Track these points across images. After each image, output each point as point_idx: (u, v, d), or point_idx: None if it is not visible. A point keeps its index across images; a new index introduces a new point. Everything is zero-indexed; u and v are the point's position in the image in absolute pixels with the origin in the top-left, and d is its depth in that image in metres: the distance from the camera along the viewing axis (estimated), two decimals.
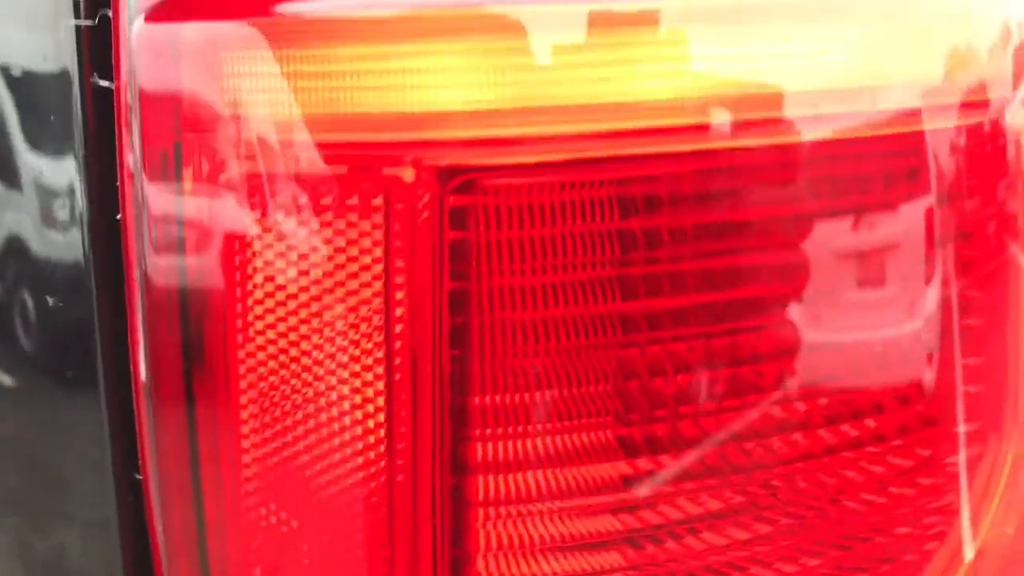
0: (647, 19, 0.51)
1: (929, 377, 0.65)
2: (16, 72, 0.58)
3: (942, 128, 0.59)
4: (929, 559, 0.66)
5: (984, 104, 0.62)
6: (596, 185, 0.54)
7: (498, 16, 0.50)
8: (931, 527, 0.67)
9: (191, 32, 0.51)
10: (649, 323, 0.56)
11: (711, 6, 0.53)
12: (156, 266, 0.54)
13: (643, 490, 0.59)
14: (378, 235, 0.51)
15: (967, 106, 0.61)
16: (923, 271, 0.62)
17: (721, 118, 0.53)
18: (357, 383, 0.53)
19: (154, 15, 0.52)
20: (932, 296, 0.63)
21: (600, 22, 0.50)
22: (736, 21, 0.53)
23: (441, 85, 0.50)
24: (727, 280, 0.58)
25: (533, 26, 0.50)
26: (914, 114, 0.59)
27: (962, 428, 0.66)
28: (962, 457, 0.67)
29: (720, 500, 0.62)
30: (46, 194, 0.59)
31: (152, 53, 0.51)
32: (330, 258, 0.52)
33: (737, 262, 0.57)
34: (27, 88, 0.58)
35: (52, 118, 0.57)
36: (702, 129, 0.52)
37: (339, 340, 0.53)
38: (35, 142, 0.58)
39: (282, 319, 0.53)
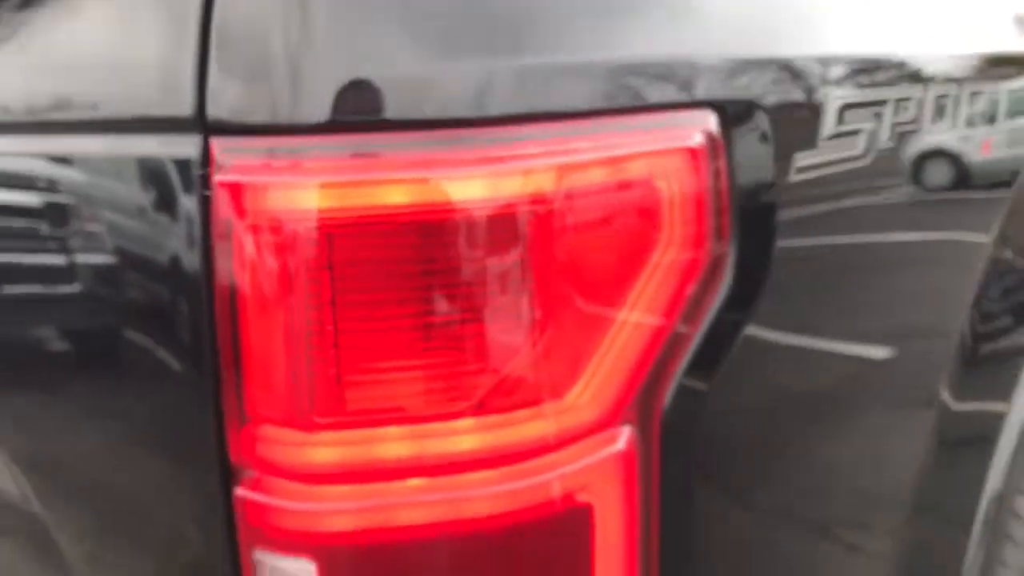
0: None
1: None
2: (173, 192, 1.02)
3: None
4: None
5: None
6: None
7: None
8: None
9: (234, 180, 0.94)
10: None
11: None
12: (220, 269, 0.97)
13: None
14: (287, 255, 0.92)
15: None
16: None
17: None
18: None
19: (224, 172, 0.96)
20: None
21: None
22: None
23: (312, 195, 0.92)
24: None
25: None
26: None
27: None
28: None
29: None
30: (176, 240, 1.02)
31: (224, 186, 0.95)
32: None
33: None
34: (176, 201, 1.02)
35: (186, 207, 1.00)
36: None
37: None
38: (179, 220, 1.02)
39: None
